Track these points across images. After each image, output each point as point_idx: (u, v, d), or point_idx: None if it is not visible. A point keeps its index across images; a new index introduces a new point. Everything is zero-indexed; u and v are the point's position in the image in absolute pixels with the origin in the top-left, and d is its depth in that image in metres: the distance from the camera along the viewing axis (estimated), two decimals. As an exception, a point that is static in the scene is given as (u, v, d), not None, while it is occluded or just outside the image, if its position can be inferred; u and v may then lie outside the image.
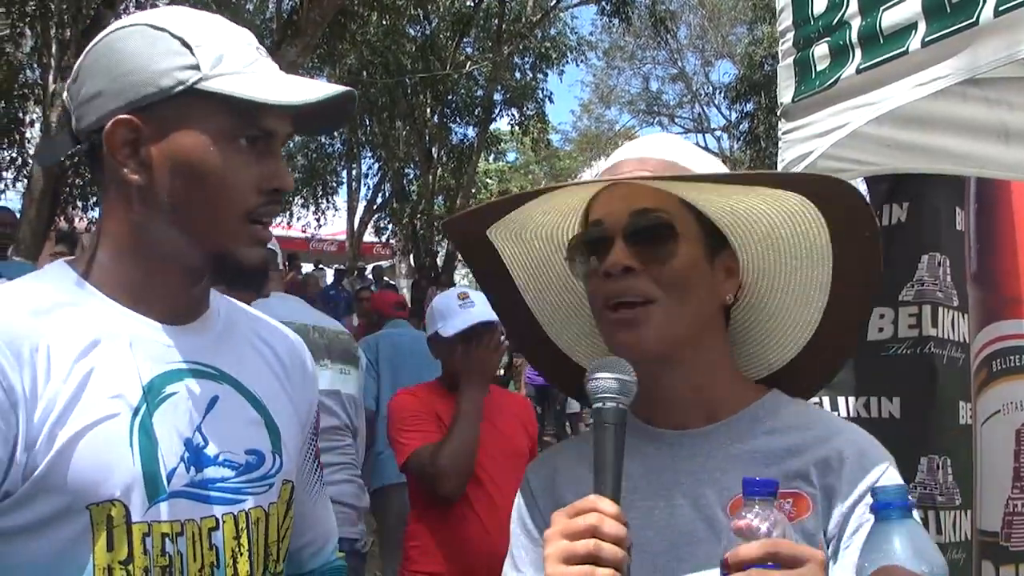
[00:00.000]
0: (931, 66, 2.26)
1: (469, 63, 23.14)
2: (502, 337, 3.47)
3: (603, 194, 1.55)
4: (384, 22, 19.84)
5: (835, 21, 2.56)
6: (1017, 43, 2.06)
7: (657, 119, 37.69)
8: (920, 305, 3.06)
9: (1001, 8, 2.05)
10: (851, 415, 3.12)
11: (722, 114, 32.96)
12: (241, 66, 1.48)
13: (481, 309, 3.44)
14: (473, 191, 26.69)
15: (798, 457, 1.51)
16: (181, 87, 1.44)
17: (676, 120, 37.03)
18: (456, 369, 3.52)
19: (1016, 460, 3.39)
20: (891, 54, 2.37)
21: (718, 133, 34.76)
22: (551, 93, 25.72)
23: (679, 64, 33.83)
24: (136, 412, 1.44)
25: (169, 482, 1.45)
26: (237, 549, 1.53)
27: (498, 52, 21.58)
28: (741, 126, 25.89)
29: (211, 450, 1.52)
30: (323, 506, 1.89)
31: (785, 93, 2.78)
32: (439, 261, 24.08)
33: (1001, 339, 3.33)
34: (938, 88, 2.27)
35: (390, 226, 26.75)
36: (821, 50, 2.62)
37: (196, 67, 1.45)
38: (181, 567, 1.45)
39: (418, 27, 22.25)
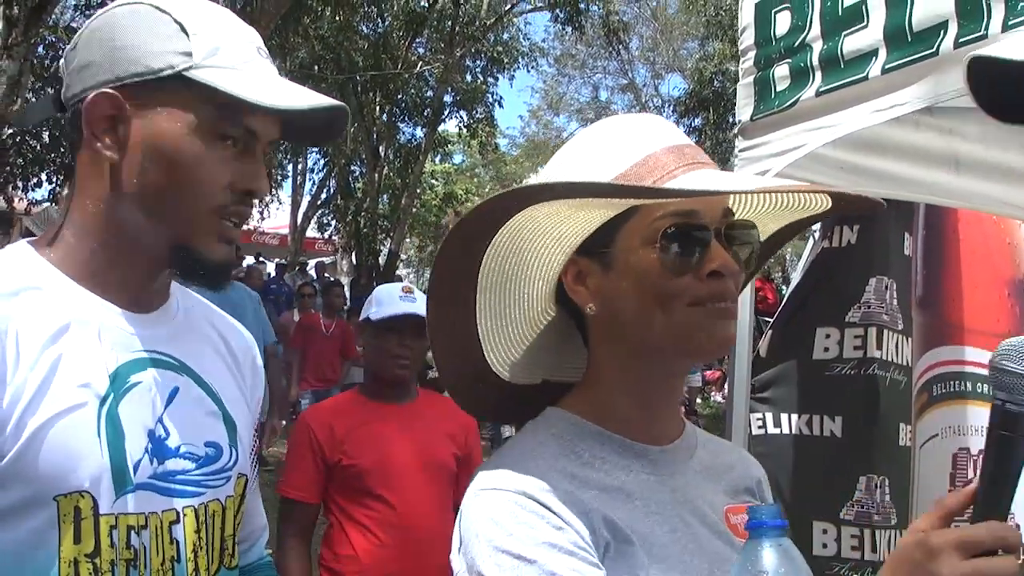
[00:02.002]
0: (890, 93, 2.30)
1: (420, 63, 23.06)
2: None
3: (682, 180, 1.36)
4: (338, 18, 19.71)
5: (797, 43, 2.60)
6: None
7: (605, 129, 37.76)
8: (866, 327, 3.11)
9: (961, 40, 2.09)
10: (793, 432, 3.16)
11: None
12: (236, 62, 1.45)
13: (420, 305, 3.37)
14: (419, 191, 26.60)
15: (734, 473, 1.53)
16: (170, 71, 1.42)
17: (624, 130, 37.15)
18: (372, 360, 3.42)
19: (951, 484, 3.45)
20: (851, 79, 2.40)
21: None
22: (501, 98, 25.70)
23: (629, 75, 33.98)
24: (103, 401, 1.41)
25: (135, 473, 1.42)
26: (198, 543, 1.50)
27: (450, 54, 21.52)
28: (690, 137, 26.09)
29: (172, 441, 1.49)
30: (258, 501, 1.87)
31: (744, 111, 2.81)
32: (380, 260, 23.95)
33: (942, 364, 3.39)
34: (896, 115, 2.31)
35: (333, 222, 26.56)
36: (782, 71, 2.66)
37: (189, 54, 1.42)
38: (144, 561, 1.42)
39: (371, 25, 22.13)
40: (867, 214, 1.54)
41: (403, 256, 29.63)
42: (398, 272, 24.39)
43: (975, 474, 3.50)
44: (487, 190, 42.92)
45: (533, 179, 1.42)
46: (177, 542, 1.47)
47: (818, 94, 2.51)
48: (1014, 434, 1.15)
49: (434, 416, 3.37)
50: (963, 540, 1.11)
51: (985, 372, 3.62)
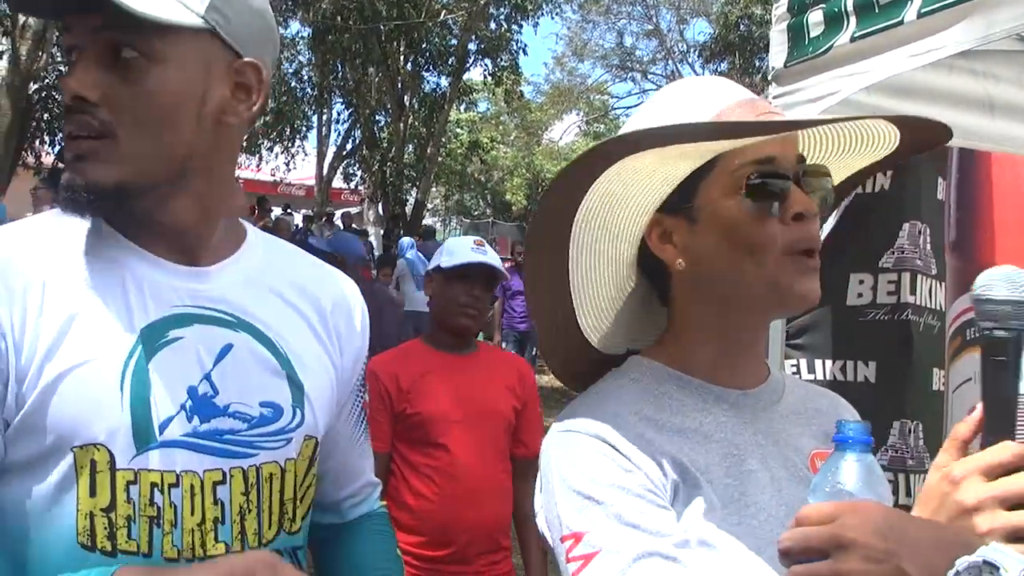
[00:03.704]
0: (926, 37, 2.29)
1: (444, 12, 22.90)
2: (495, 302, 3.37)
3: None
4: (361, -34, 19.59)
5: (831, -12, 2.58)
6: (1011, 18, 2.09)
7: (630, 75, 37.59)
8: (900, 272, 3.11)
9: (999, -17, 2.08)
10: (827, 378, 3.18)
11: (695, 72, 32.89)
12: None
13: (492, 257, 3.41)
14: (444, 140, 26.55)
15: (824, 417, 1.52)
16: None
17: (649, 76, 36.93)
18: (439, 309, 3.45)
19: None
20: (886, 24, 2.39)
21: (691, 91, 34.58)
22: (525, 45, 25.61)
23: (654, 20, 33.67)
24: (131, 355, 1.39)
25: (162, 431, 1.39)
26: (245, 506, 1.47)
27: (474, 2, 21.39)
28: (714, 85, 25.84)
29: (221, 400, 1.46)
30: (365, 457, 1.83)
31: (777, 58, 2.80)
32: (407, 210, 23.97)
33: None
34: (932, 60, 2.30)
35: (359, 173, 26.57)
36: (815, 16, 2.64)
37: None
38: (175, 519, 1.40)
39: (394, -27, 21.99)
40: (934, 146, 1.54)
41: (429, 205, 29.64)
42: (424, 221, 24.40)
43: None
44: (512, 138, 42.74)
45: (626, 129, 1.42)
46: (222, 503, 1.44)
47: (853, 39, 2.50)
48: (1007, 358, 1.18)
49: (494, 367, 3.42)
50: (984, 464, 1.13)
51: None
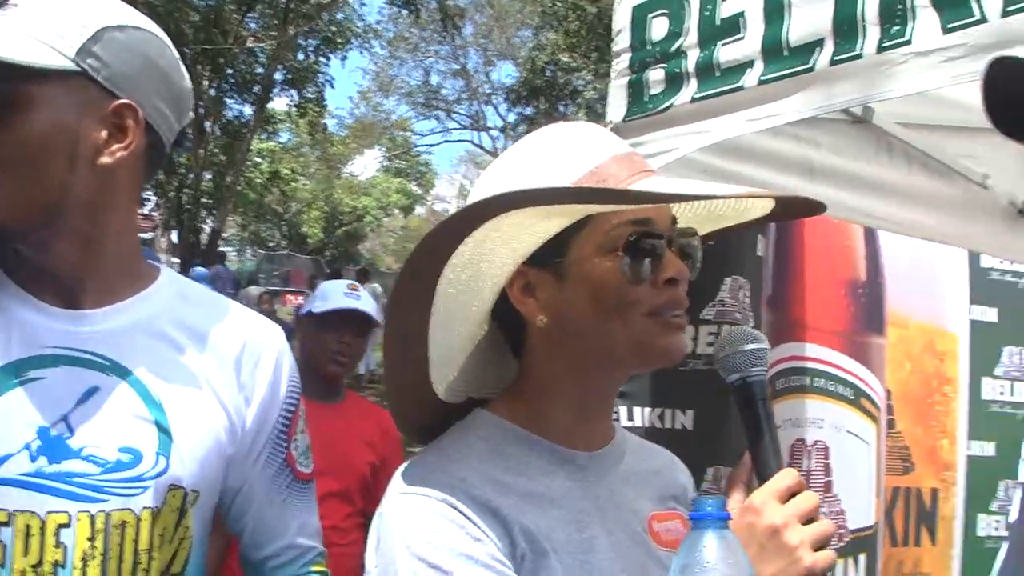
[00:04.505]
0: (764, 104, 2.39)
1: (252, 39, 22.55)
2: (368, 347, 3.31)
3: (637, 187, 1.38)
4: (167, -13, 19.07)
5: (672, 49, 2.67)
6: (846, 92, 2.22)
7: (435, 112, 37.88)
8: (719, 324, 3.22)
9: (836, 58, 2.20)
10: (645, 425, 3.25)
11: (499, 114, 33.46)
12: None
13: (366, 303, 3.33)
14: (244, 169, 26.02)
15: (661, 479, 1.55)
16: None
17: (453, 115, 37.35)
18: (308, 354, 3.34)
19: (790, 473, 3.61)
20: (726, 87, 2.49)
21: (494, 133, 35.22)
22: (332, 78, 25.49)
23: (461, 61, 34.09)
24: None
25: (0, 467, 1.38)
26: (90, 551, 1.42)
27: (283, 31, 21.14)
28: (519, 128, 26.32)
29: (75, 441, 1.43)
30: (293, 515, 1.75)
31: (616, 112, 2.87)
32: (202, 239, 23.33)
33: (786, 360, 3.56)
34: (770, 125, 2.41)
35: (153, 198, 25.73)
36: (656, 75, 2.72)
37: None
38: (3, 559, 1.37)
39: (202, -4, 21.52)
40: (808, 215, 1.61)
41: (224, 235, 28.94)
42: (220, 250, 23.80)
43: (811, 463, 3.63)
44: (312, 170, 42.28)
45: (499, 189, 1.40)
46: (65, 547, 1.41)
47: (693, 100, 2.59)
48: (755, 398, 1.37)
49: (353, 420, 3.34)
50: (776, 490, 1.28)
51: (824, 367, 3.83)
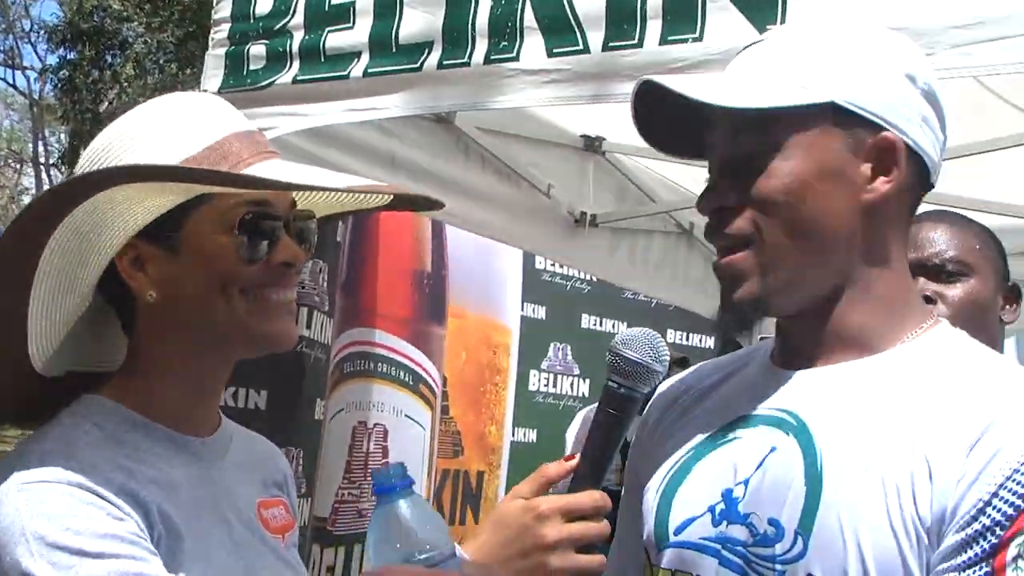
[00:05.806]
0: (369, 96, 2.43)
1: None
2: None
3: (257, 169, 1.35)
4: None
5: (277, 27, 2.63)
6: (453, 96, 2.32)
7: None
8: (299, 307, 3.24)
9: (444, 63, 2.28)
10: (220, 403, 3.21)
11: (38, 55, 30.96)
12: None
13: None
14: None
15: (266, 466, 1.56)
16: None
17: (-17, 49, 33.98)
18: None
19: (349, 454, 3.73)
20: (331, 75, 2.50)
21: (31, 73, 32.48)
22: None
23: (-1, -10, 31.09)
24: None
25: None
26: None
27: None
28: (61, 72, 24.43)
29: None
30: None
31: (211, 81, 2.78)
32: None
33: (354, 344, 3.65)
34: (372, 118, 2.47)
35: None
36: (258, 50, 2.67)
37: None
38: None
39: None
40: (427, 209, 1.67)
41: None
42: None
43: (370, 445, 3.76)
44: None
45: (116, 159, 1.31)
46: None
47: (295, 82, 2.57)
48: (621, 414, 1.33)
49: None
50: (569, 507, 1.29)
51: (388, 353, 3.96)
